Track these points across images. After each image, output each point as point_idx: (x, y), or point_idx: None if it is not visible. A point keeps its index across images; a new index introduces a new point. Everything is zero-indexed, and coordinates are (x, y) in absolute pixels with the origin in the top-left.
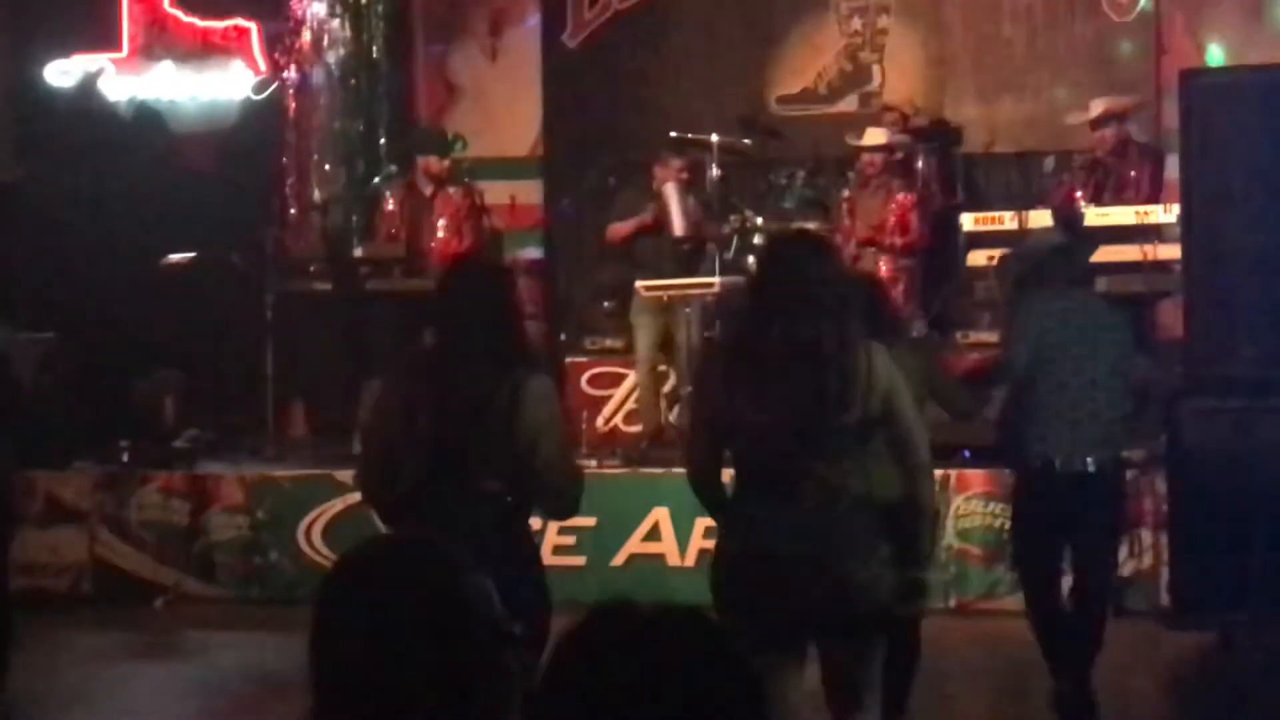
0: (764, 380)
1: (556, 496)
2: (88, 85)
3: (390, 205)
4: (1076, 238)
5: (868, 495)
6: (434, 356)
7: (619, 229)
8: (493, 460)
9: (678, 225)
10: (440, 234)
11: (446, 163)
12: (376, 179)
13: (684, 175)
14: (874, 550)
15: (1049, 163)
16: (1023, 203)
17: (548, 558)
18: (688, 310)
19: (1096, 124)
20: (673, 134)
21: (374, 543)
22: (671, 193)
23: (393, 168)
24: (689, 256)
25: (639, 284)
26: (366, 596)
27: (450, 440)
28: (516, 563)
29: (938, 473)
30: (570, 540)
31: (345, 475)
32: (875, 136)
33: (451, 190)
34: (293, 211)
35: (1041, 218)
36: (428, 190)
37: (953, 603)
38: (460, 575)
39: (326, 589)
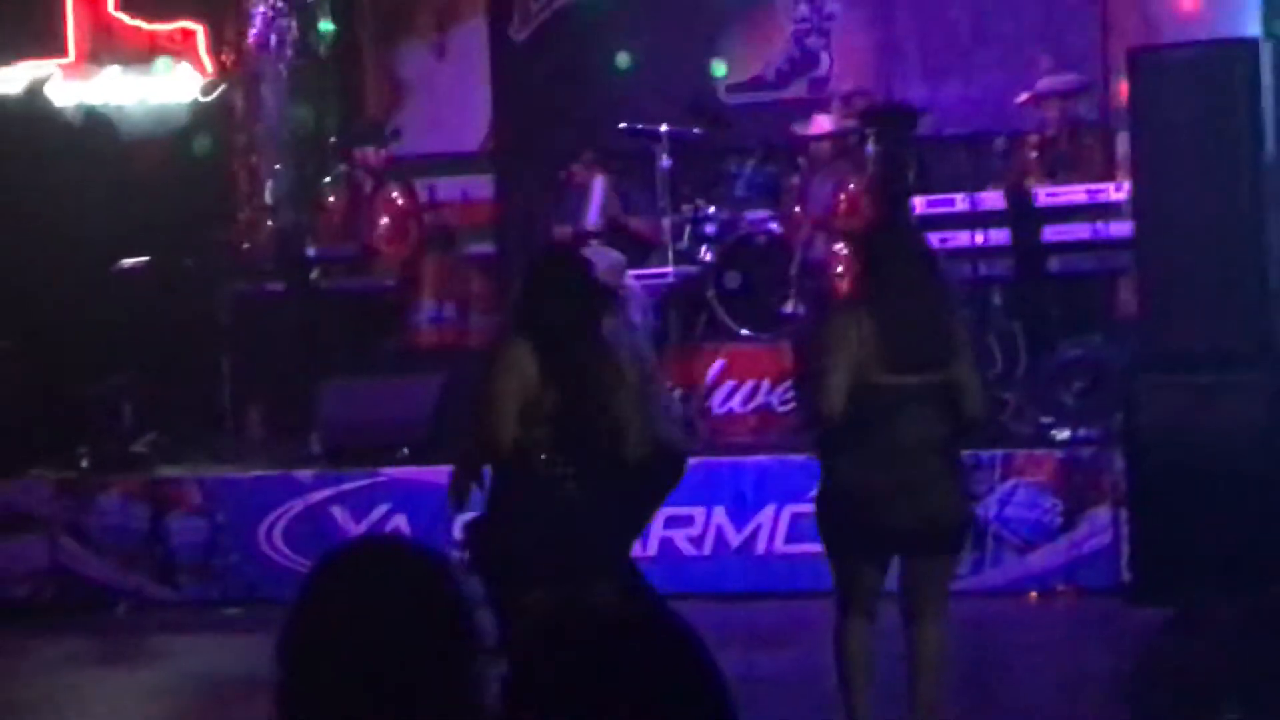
0: (890, 340)
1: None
2: (34, 92)
3: (330, 202)
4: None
5: (948, 436)
6: (539, 338)
7: (559, 235)
8: (608, 422)
9: (590, 217)
10: (381, 231)
11: (384, 154)
12: (326, 179)
13: (594, 166)
14: (955, 481)
15: (999, 143)
16: (973, 184)
17: None
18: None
19: (1039, 99)
20: (622, 125)
21: (352, 546)
22: (596, 187)
23: (341, 166)
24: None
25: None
26: (344, 600)
27: (580, 407)
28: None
29: None
30: None
31: (305, 474)
32: (821, 124)
33: (391, 185)
34: (243, 213)
35: (993, 198)
36: (367, 186)
37: None
38: (438, 580)
39: (304, 591)
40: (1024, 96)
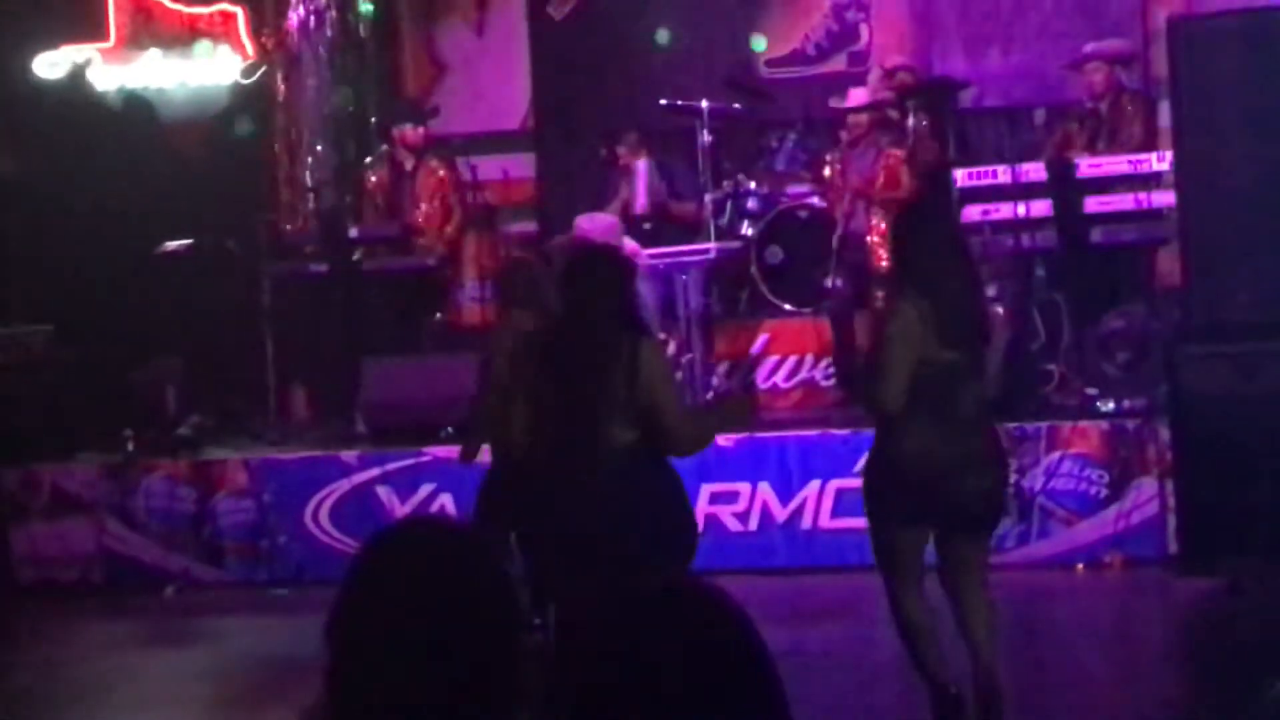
0: (940, 317)
1: (676, 438)
2: (76, 76)
3: (372, 183)
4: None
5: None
6: (562, 325)
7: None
8: (620, 412)
9: (638, 202)
10: (424, 208)
11: (422, 131)
12: (368, 159)
13: (639, 150)
14: (994, 458)
15: (1039, 115)
16: (1014, 156)
17: None
18: (684, 278)
19: (1084, 65)
20: (662, 101)
21: (399, 527)
22: (640, 170)
23: (383, 147)
24: (660, 233)
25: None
26: (393, 581)
27: (582, 396)
28: (657, 502)
29: None
30: None
31: (350, 455)
32: (857, 97)
33: (433, 163)
34: (285, 195)
35: (1035, 170)
36: (408, 164)
37: None
38: (484, 560)
39: (353, 573)
40: (1068, 61)
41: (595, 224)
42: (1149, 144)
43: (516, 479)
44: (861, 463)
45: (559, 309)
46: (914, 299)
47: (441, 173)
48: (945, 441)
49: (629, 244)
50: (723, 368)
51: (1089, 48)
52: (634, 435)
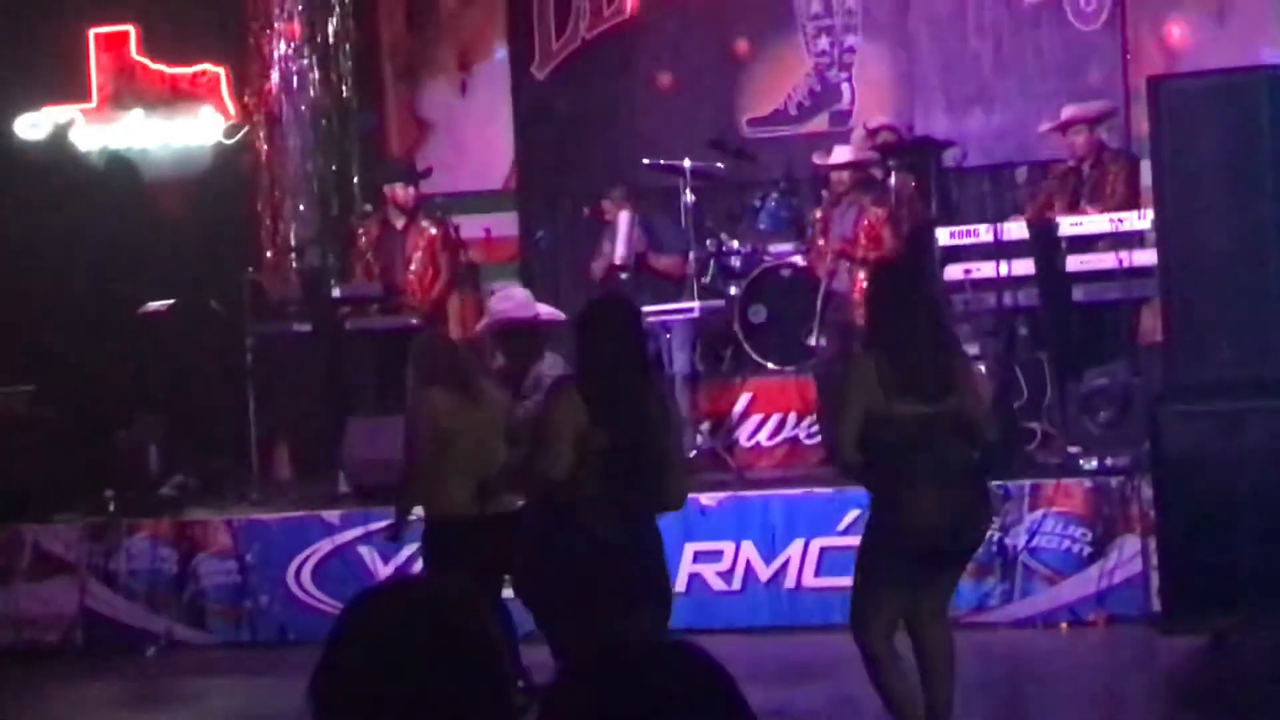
0: (906, 372)
1: (680, 490)
2: (58, 136)
3: (362, 241)
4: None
5: (974, 459)
6: (592, 379)
7: (594, 269)
8: (652, 461)
9: (618, 254)
10: (414, 267)
11: (413, 191)
12: (358, 215)
13: (624, 203)
14: (983, 505)
15: (1021, 174)
16: (996, 215)
17: None
18: (668, 336)
19: (1066, 129)
20: (645, 160)
21: (382, 587)
22: (621, 223)
23: (367, 206)
24: (641, 286)
25: None
26: (377, 641)
27: (625, 446)
28: (656, 546)
29: None
30: None
31: (333, 515)
32: (841, 155)
33: (424, 223)
34: (269, 254)
35: (1017, 229)
36: (399, 223)
37: None
38: (468, 621)
39: (336, 633)
40: (1049, 125)
41: (511, 301)
42: (1131, 202)
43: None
44: (847, 521)
45: (577, 359)
46: (875, 359)
47: (432, 232)
48: (933, 495)
49: (544, 309)
50: (705, 426)
51: (1068, 112)
52: (657, 483)
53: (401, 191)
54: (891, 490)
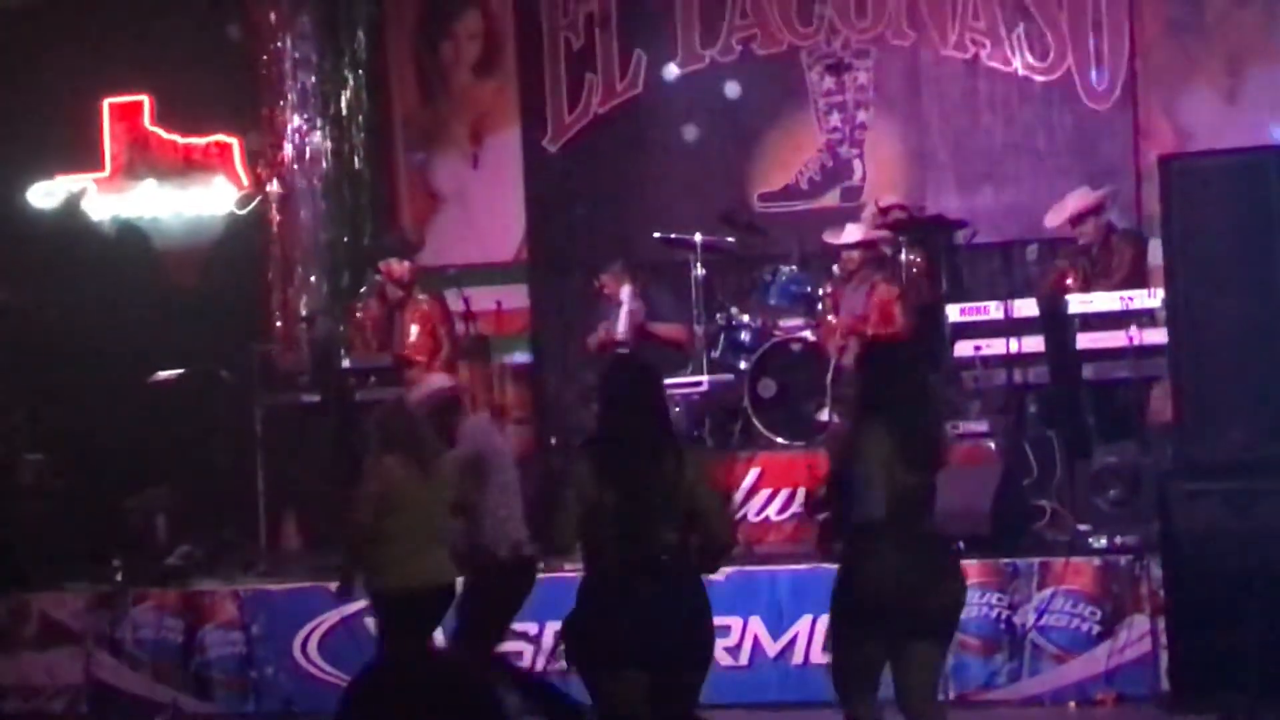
0: (902, 444)
1: (716, 548)
2: (71, 205)
3: (360, 314)
4: None
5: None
6: (610, 440)
7: (590, 342)
8: (669, 518)
9: (619, 328)
10: (412, 340)
11: (408, 265)
12: (361, 291)
13: (623, 277)
14: (956, 574)
15: (1032, 251)
16: (1007, 292)
17: None
18: (677, 409)
19: (1075, 222)
20: (656, 234)
21: (398, 656)
22: (623, 297)
23: (377, 277)
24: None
25: None
26: (382, 715)
27: (636, 505)
28: (695, 603)
29: None
30: None
31: None
32: (852, 233)
33: (419, 296)
34: (279, 324)
35: (1027, 306)
36: (395, 296)
37: (951, 694)
38: (477, 693)
39: (344, 705)
40: (1058, 220)
41: (427, 389)
42: (1141, 280)
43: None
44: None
45: (597, 420)
46: (879, 425)
47: (426, 306)
48: (909, 562)
49: (438, 379)
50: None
51: (1073, 204)
52: (675, 539)
53: (397, 265)
54: (870, 553)
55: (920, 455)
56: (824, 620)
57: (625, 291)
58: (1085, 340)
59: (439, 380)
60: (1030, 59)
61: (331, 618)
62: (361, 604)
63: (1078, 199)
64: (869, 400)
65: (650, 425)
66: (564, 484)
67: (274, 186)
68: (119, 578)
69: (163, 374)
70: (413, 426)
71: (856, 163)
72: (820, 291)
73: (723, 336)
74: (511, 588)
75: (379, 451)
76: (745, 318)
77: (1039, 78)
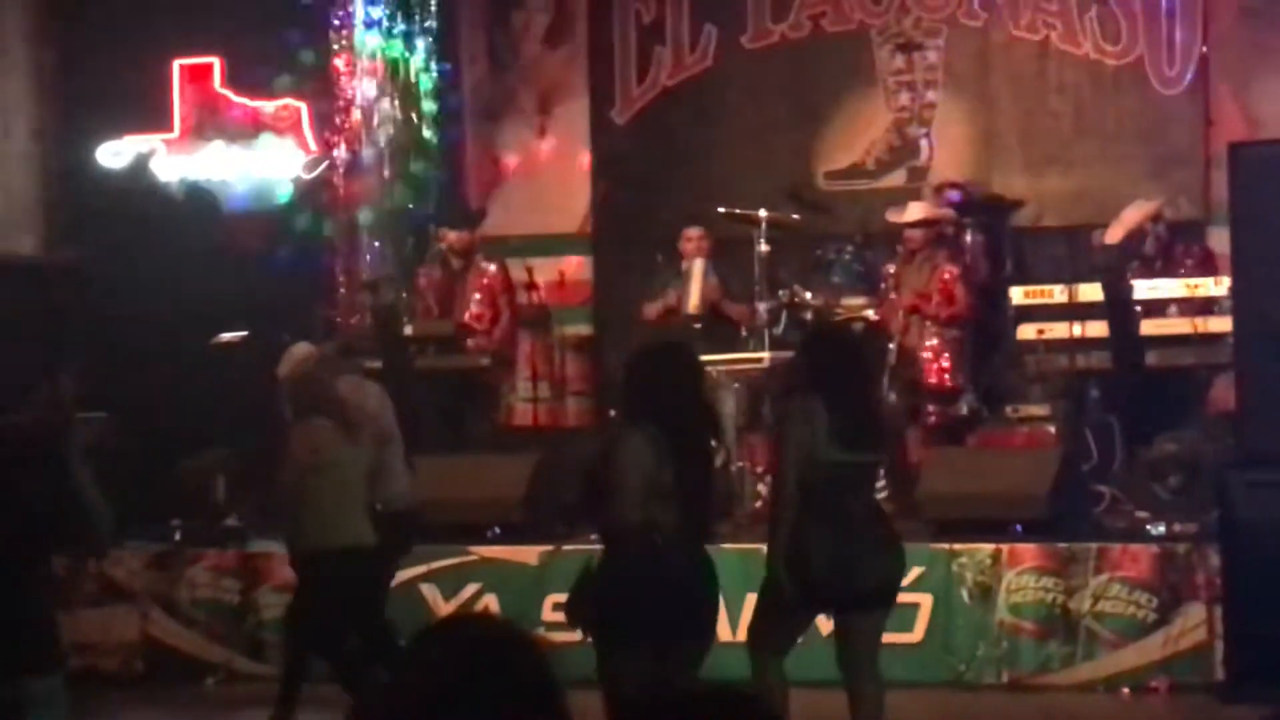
0: (842, 424)
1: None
2: (139, 166)
3: (423, 283)
4: None
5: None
6: (667, 426)
7: (648, 310)
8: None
9: (691, 302)
10: (473, 309)
11: (466, 234)
12: (425, 256)
13: (704, 246)
14: (895, 548)
15: (1097, 236)
16: (1071, 276)
17: None
18: (736, 385)
19: (1134, 236)
20: (721, 209)
21: (444, 625)
22: (695, 270)
23: (440, 245)
24: (711, 332)
25: None
26: (435, 679)
27: (691, 491)
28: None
29: (989, 547)
30: None
31: None
32: (915, 212)
33: (482, 264)
34: (342, 289)
35: (1091, 290)
36: (456, 265)
37: (1005, 678)
38: (529, 660)
39: (398, 669)
40: (1116, 238)
41: (290, 357)
42: (1207, 268)
43: None
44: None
45: (636, 401)
46: (814, 407)
47: (489, 275)
48: (849, 534)
49: (300, 348)
50: (770, 477)
51: (1129, 223)
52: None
53: (454, 234)
54: (810, 526)
55: (858, 435)
56: None
57: (699, 264)
58: (1149, 326)
59: (301, 350)
60: (1102, 43)
61: None
62: (420, 569)
63: (1134, 213)
64: (799, 381)
65: (702, 408)
66: (620, 460)
67: (341, 151)
68: (177, 538)
69: (225, 336)
70: (327, 392)
71: (924, 142)
72: (883, 270)
73: (784, 314)
74: (394, 544)
75: (298, 417)
76: (808, 295)
77: (1110, 62)
